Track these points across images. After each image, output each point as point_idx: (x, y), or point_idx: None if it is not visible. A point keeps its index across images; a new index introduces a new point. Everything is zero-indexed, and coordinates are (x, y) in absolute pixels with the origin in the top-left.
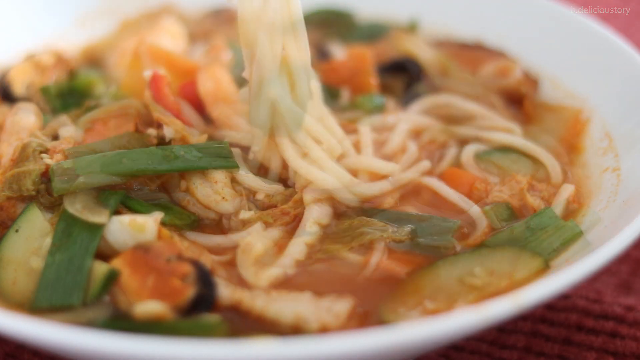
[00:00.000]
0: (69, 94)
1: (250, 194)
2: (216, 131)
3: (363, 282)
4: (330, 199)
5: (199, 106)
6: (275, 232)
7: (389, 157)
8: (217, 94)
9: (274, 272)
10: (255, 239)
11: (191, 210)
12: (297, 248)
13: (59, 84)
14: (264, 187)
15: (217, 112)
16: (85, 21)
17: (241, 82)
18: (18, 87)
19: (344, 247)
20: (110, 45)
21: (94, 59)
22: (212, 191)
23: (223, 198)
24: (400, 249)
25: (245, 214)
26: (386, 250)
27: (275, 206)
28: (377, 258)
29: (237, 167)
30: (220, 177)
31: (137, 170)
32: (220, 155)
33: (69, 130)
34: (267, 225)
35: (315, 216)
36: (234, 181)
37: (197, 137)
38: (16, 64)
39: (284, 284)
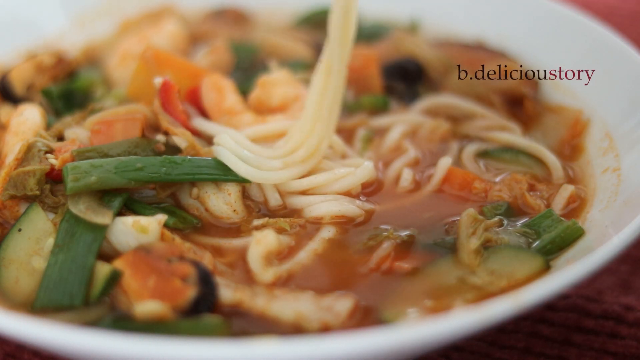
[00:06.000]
0: (69, 95)
1: (262, 203)
2: None
3: (364, 280)
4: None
5: (206, 112)
6: (286, 238)
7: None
8: (220, 105)
9: (280, 269)
10: (271, 234)
11: (197, 216)
12: (306, 255)
13: (60, 86)
14: (273, 198)
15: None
16: (85, 21)
17: (242, 84)
18: (19, 87)
19: (349, 250)
20: (110, 45)
21: (94, 59)
22: (224, 202)
23: (234, 211)
24: (403, 249)
25: (258, 221)
26: (389, 250)
27: (292, 216)
28: (380, 257)
29: (249, 181)
30: (233, 189)
31: (152, 177)
32: None
33: (75, 131)
34: (281, 231)
35: (330, 235)
36: (244, 195)
37: (206, 148)
38: (17, 65)
39: (286, 283)
